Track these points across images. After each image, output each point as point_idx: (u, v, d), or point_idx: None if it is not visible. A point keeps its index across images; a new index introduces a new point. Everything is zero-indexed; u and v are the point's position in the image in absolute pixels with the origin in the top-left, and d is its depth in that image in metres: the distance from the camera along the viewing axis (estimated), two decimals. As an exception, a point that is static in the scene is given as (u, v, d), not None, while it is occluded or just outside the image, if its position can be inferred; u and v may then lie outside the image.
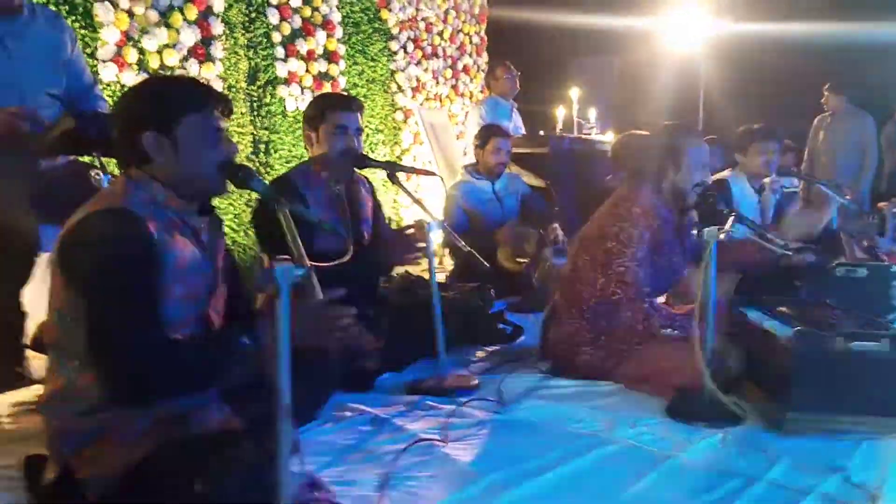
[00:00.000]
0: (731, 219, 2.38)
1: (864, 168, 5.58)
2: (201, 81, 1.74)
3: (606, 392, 2.35)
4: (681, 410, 2.13)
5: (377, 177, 4.66)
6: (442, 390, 2.31)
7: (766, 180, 3.76)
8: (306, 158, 2.72)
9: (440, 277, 3.78)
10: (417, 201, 2.62)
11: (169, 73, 3.60)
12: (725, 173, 3.73)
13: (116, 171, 2.11)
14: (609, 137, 5.34)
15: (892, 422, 1.89)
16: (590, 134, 5.28)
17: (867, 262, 3.11)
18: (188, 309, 1.63)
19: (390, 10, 5.29)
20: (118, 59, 3.42)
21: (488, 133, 4.12)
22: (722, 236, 2.17)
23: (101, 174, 2.08)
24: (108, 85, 3.39)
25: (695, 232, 2.42)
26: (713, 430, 1.99)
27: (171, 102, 1.57)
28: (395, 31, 5.33)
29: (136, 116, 1.57)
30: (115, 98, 3.38)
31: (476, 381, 2.40)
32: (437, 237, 2.46)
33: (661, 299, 2.93)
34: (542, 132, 5.14)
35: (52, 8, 3.08)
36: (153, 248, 1.51)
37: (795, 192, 5.34)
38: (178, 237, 1.59)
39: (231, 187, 1.67)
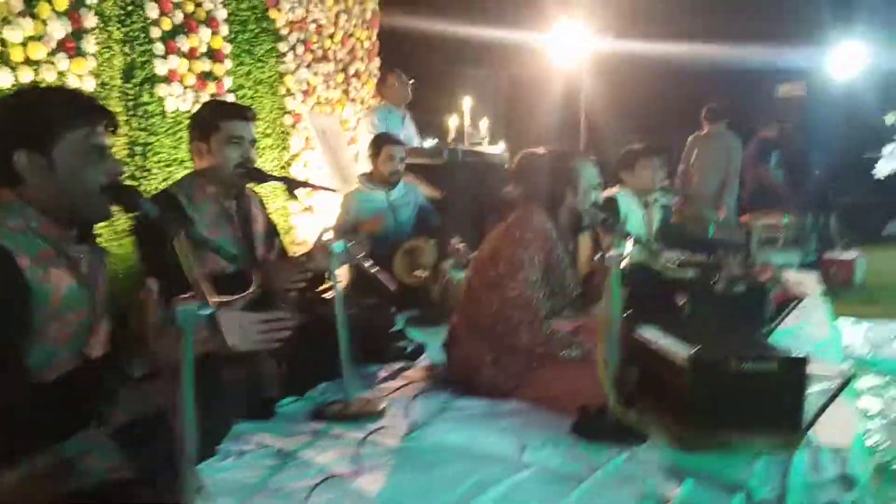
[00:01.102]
0: (628, 241, 2.45)
1: (730, 185, 5.99)
2: (83, 93, 1.57)
3: (512, 411, 2.36)
4: (586, 430, 2.16)
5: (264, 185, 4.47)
6: (348, 416, 2.23)
7: (651, 196, 3.94)
8: (189, 168, 2.52)
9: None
10: (329, 228, 2.48)
11: (35, 67, 3.26)
12: (614, 190, 3.87)
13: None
14: (499, 149, 5.41)
15: (783, 437, 2.00)
16: (481, 144, 5.33)
17: (744, 278, 3.30)
18: (65, 348, 1.48)
19: (279, 10, 5.08)
20: (-26, 50, 3.05)
21: (381, 141, 4.06)
22: (624, 261, 2.23)
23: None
24: (-38, 79, 3.02)
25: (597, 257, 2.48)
26: (619, 449, 2.04)
27: (48, 118, 1.41)
28: (284, 31, 5.14)
29: (7, 134, 1.40)
30: (-30, 94, 3.03)
31: (383, 406, 2.33)
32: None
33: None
34: (435, 140, 5.13)
35: None
36: (23, 288, 1.35)
37: (669, 206, 5.66)
38: (52, 271, 1.43)
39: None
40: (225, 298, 1.44)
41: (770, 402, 2.01)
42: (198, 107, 2.84)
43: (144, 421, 1.60)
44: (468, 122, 5.27)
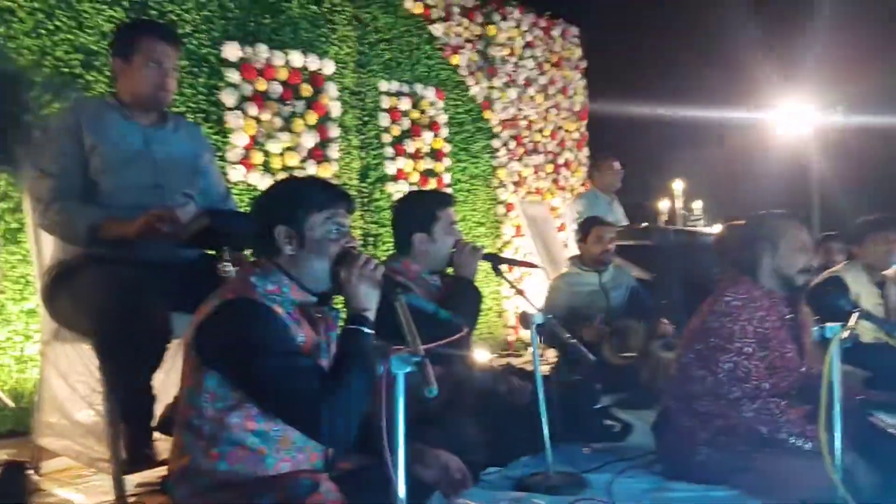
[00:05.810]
0: (854, 315, 2.24)
1: None
2: (329, 182, 1.88)
3: (725, 499, 2.22)
4: (810, 523, 1.97)
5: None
6: (548, 487, 2.25)
7: (890, 272, 3.55)
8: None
9: (544, 370, 3.73)
10: (520, 292, 2.62)
11: (290, 173, 3.88)
12: (839, 267, 3.57)
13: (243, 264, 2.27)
14: (716, 229, 5.23)
15: None
16: (695, 226, 5.19)
17: None
18: None
19: (493, 111, 5.52)
20: (245, 161, 3.72)
21: (589, 224, 4.14)
22: (846, 334, 2.05)
23: (229, 266, 2.23)
24: (236, 184, 3.68)
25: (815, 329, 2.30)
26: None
27: (302, 201, 1.72)
28: (497, 129, 5.54)
29: (272, 212, 1.73)
30: (242, 196, 3.67)
31: (584, 479, 2.32)
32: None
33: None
34: (645, 224, 5.11)
35: (191, 117, 3.43)
36: (285, 329, 1.62)
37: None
38: (303, 326, 1.69)
39: None
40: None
41: None
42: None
43: (363, 468, 1.79)
44: (681, 204, 5.18)
